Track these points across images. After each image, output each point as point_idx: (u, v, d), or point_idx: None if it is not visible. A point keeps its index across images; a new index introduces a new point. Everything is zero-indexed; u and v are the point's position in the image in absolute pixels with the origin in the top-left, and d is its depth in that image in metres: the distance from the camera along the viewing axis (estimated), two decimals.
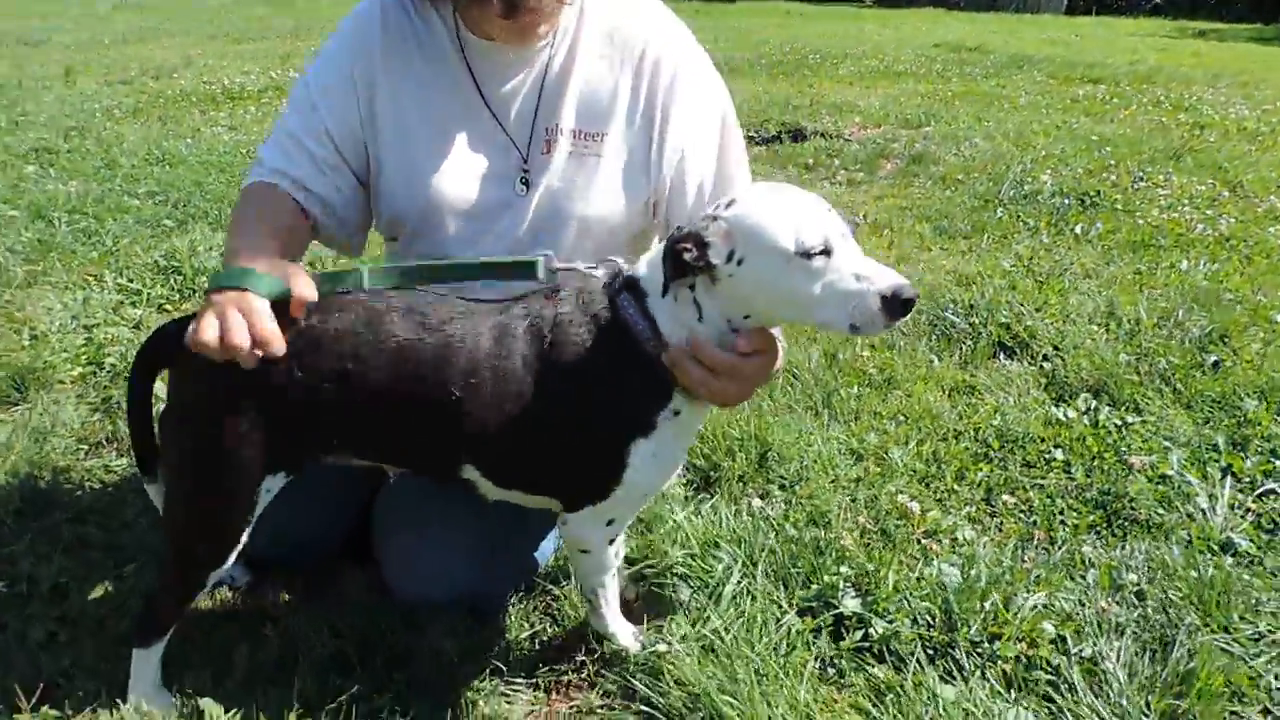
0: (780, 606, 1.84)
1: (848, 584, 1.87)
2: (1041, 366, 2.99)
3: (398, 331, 1.50)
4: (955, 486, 2.34)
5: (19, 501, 2.22)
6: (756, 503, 2.16)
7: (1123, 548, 2.05)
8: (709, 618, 1.78)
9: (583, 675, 1.80)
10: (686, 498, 2.26)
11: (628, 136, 1.78)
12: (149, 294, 3.60)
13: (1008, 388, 2.84)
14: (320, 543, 2.04)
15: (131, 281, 3.71)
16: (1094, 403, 2.66)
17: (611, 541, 1.69)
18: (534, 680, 1.79)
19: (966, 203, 4.98)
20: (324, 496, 1.97)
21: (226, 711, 1.66)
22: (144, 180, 5.19)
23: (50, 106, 7.55)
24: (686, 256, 1.38)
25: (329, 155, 1.77)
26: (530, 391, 1.50)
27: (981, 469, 2.40)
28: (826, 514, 2.13)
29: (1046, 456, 2.44)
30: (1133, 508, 2.19)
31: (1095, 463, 2.40)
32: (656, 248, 1.51)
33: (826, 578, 1.87)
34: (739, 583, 1.87)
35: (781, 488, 2.28)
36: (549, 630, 1.92)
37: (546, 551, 2.02)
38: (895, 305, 1.32)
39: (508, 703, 1.74)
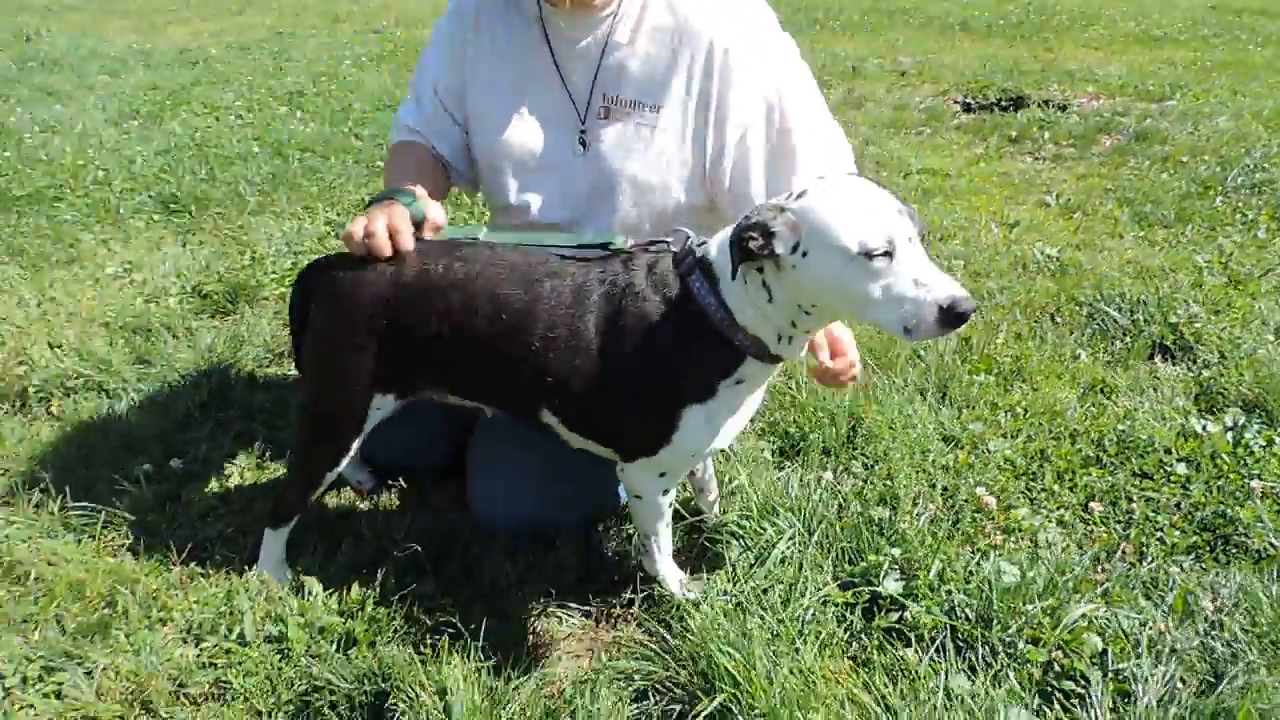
0: (823, 577, 1.88)
1: (894, 566, 1.88)
2: (1200, 374, 2.74)
3: (497, 285, 1.68)
4: (1054, 487, 2.24)
5: (206, 396, 2.66)
6: (827, 476, 2.19)
7: (1217, 574, 1.91)
8: (750, 577, 1.87)
9: (631, 610, 1.94)
10: (768, 459, 2.33)
11: (683, 112, 1.87)
12: None
13: (1150, 392, 2.64)
14: (428, 459, 2.30)
15: (340, 216, 4.20)
16: (1243, 419, 2.43)
17: (666, 492, 1.80)
18: (586, 608, 1.96)
19: (1181, 188, 4.51)
20: (433, 420, 2.21)
21: (325, 590, 1.97)
22: (369, 124, 5.76)
23: (311, 53, 8.47)
24: (752, 245, 1.42)
25: (441, 113, 2.02)
26: (598, 350, 1.63)
27: (1090, 473, 2.28)
28: (899, 496, 2.13)
29: (1166, 469, 2.27)
30: (1244, 535, 2.02)
31: (1218, 483, 2.21)
32: (728, 229, 1.56)
33: (874, 557, 1.89)
34: (786, 549, 1.93)
35: (866, 465, 2.30)
36: (609, 564, 2.08)
37: (622, 492, 2.18)
38: (951, 316, 1.33)
39: (557, 621, 1.93)
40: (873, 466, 2.28)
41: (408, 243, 1.71)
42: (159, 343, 2.98)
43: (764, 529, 1.98)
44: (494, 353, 1.70)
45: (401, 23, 10.59)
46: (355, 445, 1.88)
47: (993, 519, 2.09)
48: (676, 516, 2.03)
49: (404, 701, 1.63)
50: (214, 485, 2.34)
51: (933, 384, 2.70)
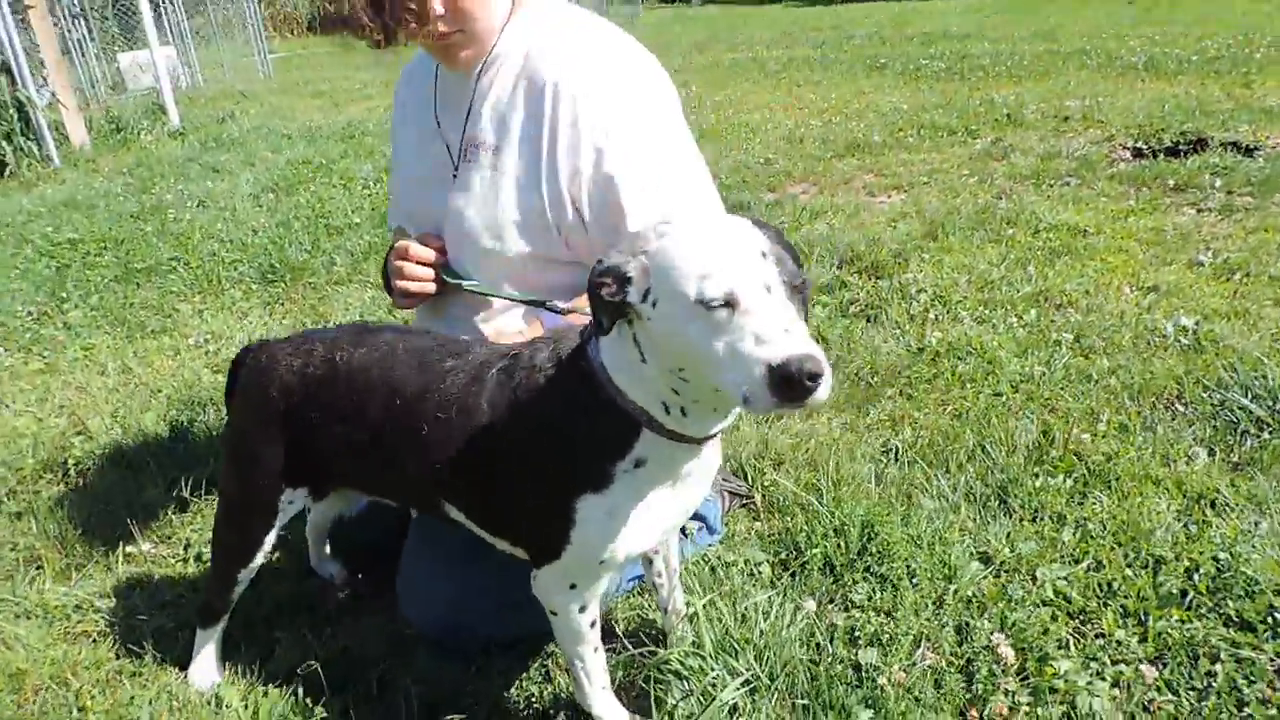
0: None
1: None
2: None
3: (394, 369, 1.58)
4: (1116, 633, 1.76)
5: (209, 476, 2.63)
6: (809, 605, 1.82)
7: None
8: None
9: None
10: (756, 575, 1.99)
11: (518, 155, 1.78)
12: None
13: (1275, 512, 2.07)
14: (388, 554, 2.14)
15: None
16: None
17: (584, 610, 1.53)
18: None
19: None
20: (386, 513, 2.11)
21: (244, 702, 1.83)
22: None
23: None
24: (604, 293, 1.24)
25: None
26: (488, 430, 1.46)
27: (1169, 616, 1.78)
28: (896, 636, 1.73)
29: (1275, 620, 1.73)
30: None
31: None
32: None
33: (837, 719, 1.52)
34: (735, 699, 1.60)
35: (872, 592, 1.90)
36: (545, 691, 1.81)
37: None
38: (782, 380, 1.04)
39: None
40: (878, 594, 1.89)
41: (426, 253, 1.89)
42: (200, 416, 3.02)
43: (713, 669, 1.65)
44: (390, 442, 1.57)
45: None
46: (268, 541, 1.78)
47: (1013, 675, 1.64)
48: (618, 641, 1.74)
49: None
50: (190, 571, 2.28)
51: (993, 486, 2.25)
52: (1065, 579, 1.89)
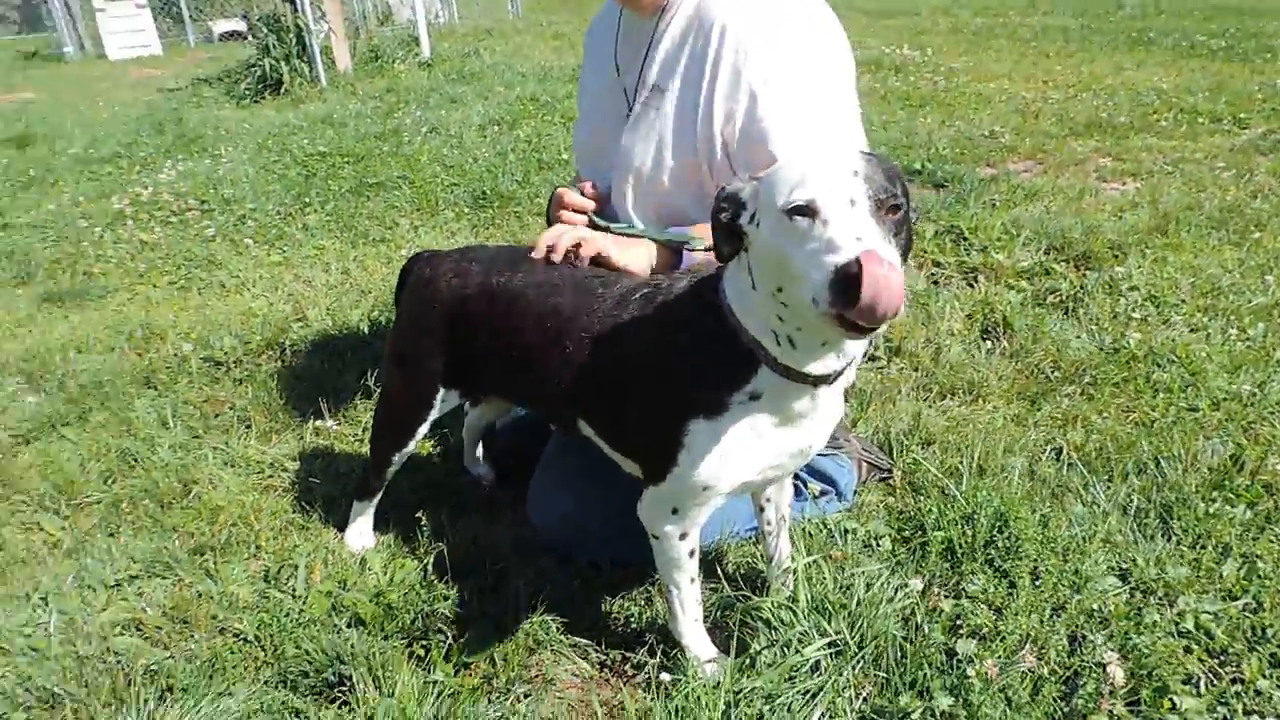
0: (851, 705, 1.54)
1: (924, 718, 1.47)
2: None
3: (551, 294, 1.69)
4: (1258, 682, 1.59)
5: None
6: (915, 584, 1.78)
7: None
8: (762, 676, 1.58)
9: (643, 670, 1.76)
10: (873, 544, 1.97)
11: (680, 96, 1.82)
12: None
13: None
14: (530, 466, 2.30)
15: None
16: None
17: (684, 537, 1.60)
18: (602, 650, 1.82)
19: None
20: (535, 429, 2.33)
21: (384, 568, 2.05)
22: None
23: None
24: (721, 216, 1.33)
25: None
26: (622, 351, 1.56)
27: None
28: (1001, 632, 1.66)
29: None
30: None
31: None
32: None
33: (909, 700, 1.50)
34: (819, 657, 1.61)
35: (987, 585, 1.83)
36: (644, 614, 1.90)
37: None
38: (845, 285, 1.04)
39: (554, 662, 1.80)
40: (993, 588, 1.81)
41: (580, 201, 1.98)
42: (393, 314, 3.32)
43: (802, 625, 1.66)
44: (538, 358, 1.69)
45: None
46: (420, 432, 1.98)
47: (1122, 699, 1.54)
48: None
49: (356, 696, 1.65)
50: (362, 450, 2.55)
51: (1156, 504, 2.08)
52: (1213, 614, 1.72)
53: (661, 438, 1.48)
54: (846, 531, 2.05)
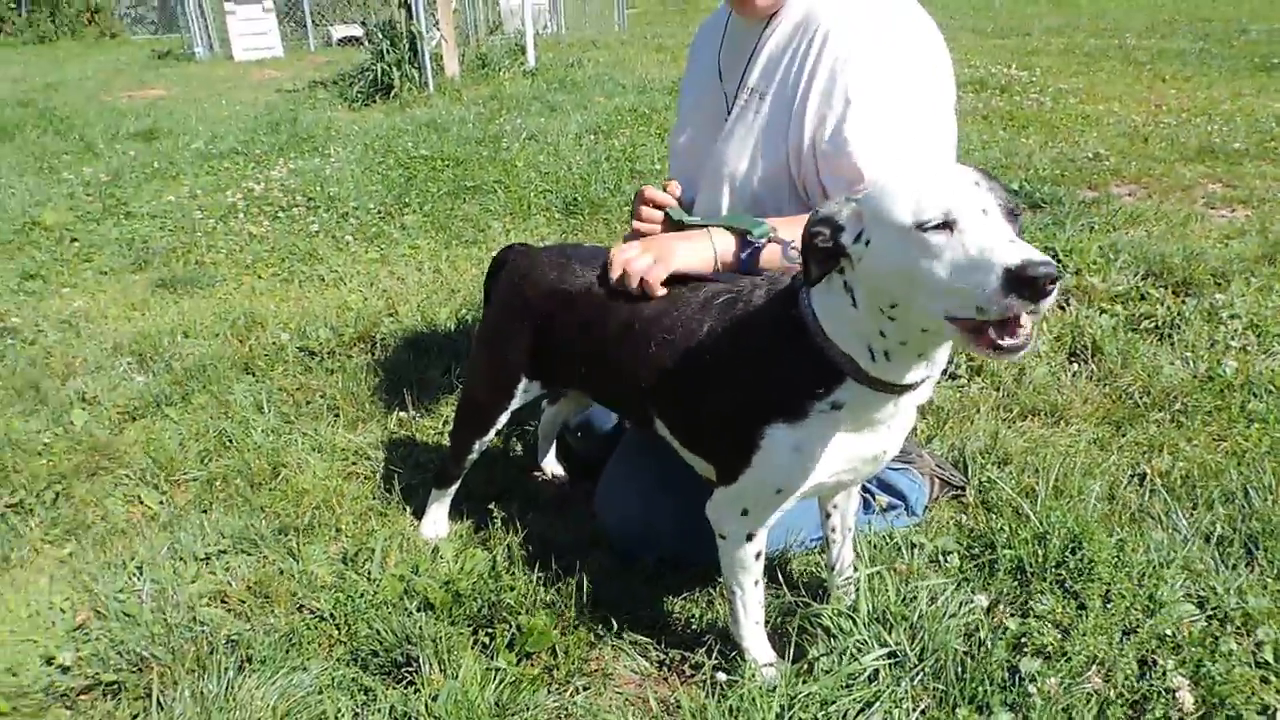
0: (900, 715, 1.53)
1: None
2: None
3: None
4: None
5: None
6: (980, 600, 1.75)
7: None
8: (817, 682, 1.59)
9: (701, 670, 1.78)
10: (940, 559, 1.95)
11: (778, 100, 1.84)
12: None
13: None
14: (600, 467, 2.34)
15: None
16: None
17: (751, 538, 1.62)
18: (661, 649, 1.85)
19: None
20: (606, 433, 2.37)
21: (455, 557, 2.13)
22: None
23: None
24: (819, 241, 1.33)
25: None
26: (702, 354, 1.60)
27: None
28: (1068, 652, 1.62)
29: None
30: None
31: None
32: None
33: (968, 713, 1.48)
34: (878, 665, 1.60)
35: (1056, 605, 1.78)
36: (705, 616, 1.92)
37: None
38: (1021, 281, 1.07)
39: (614, 657, 1.84)
40: (1061, 608, 1.77)
41: (661, 197, 2.01)
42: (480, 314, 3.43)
43: (862, 634, 1.66)
44: (620, 356, 1.74)
45: None
46: (501, 420, 2.05)
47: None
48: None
49: (421, 677, 1.73)
50: (442, 442, 2.64)
51: (1241, 533, 1.99)
52: None
53: (738, 440, 1.51)
54: (913, 545, 2.03)
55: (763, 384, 1.47)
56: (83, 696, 1.79)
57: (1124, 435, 2.52)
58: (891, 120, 1.72)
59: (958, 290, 1.13)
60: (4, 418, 2.96)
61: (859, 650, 1.64)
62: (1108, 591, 1.79)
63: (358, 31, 13.52)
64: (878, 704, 1.54)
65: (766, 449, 1.47)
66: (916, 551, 2.01)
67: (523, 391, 1.99)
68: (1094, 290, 3.48)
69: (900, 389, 1.38)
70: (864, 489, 2.23)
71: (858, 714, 1.54)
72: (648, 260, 1.71)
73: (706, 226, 1.86)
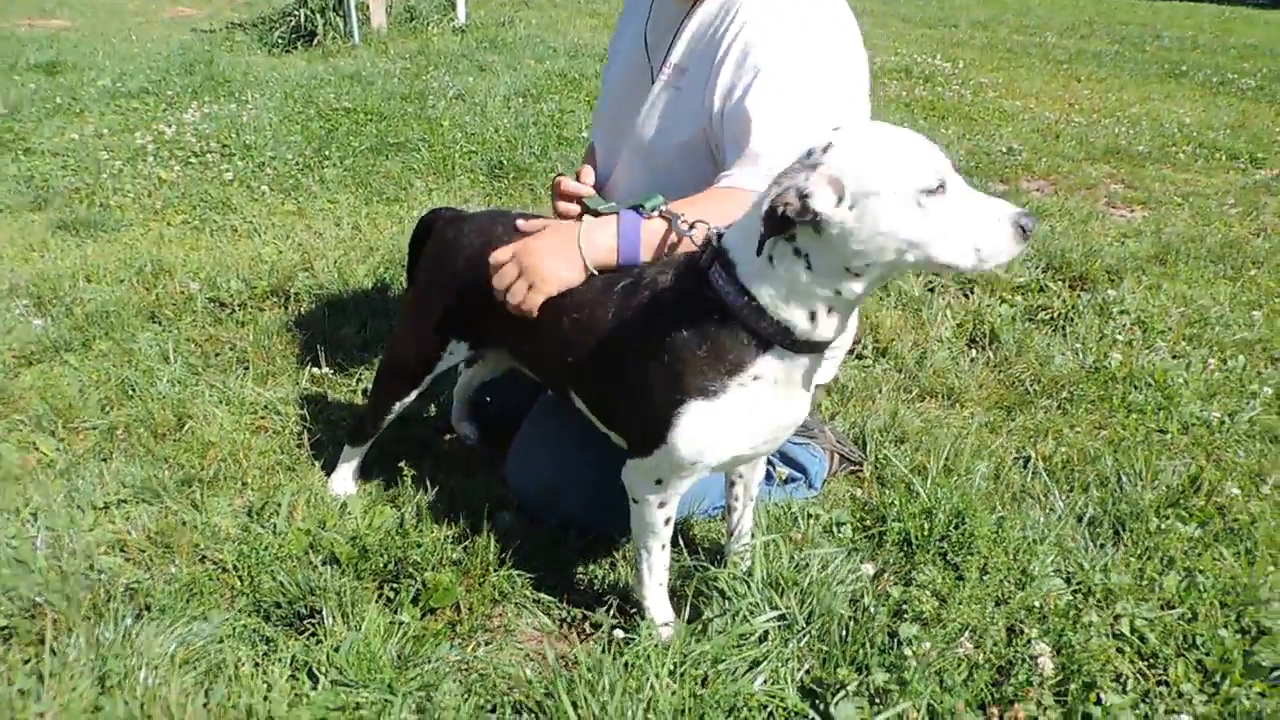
0: (795, 672, 1.61)
1: (862, 692, 1.55)
2: None
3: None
4: (1183, 685, 1.67)
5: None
6: (866, 569, 1.85)
7: None
8: (710, 641, 1.66)
9: (600, 629, 1.84)
10: (833, 530, 2.05)
11: (698, 75, 1.87)
12: None
13: None
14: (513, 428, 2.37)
15: None
16: None
17: (663, 505, 1.68)
18: (563, 607, 1.90)
19: None
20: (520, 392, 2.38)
21: (364, 513, 2.13)
22: None
23: None
24: (789, 212, 1.31)
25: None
26: (612, 338, 1.63)
27: (1253, 687, 1.66)
28: (944, 620, 1.74)
29: None
30: None
31: None
32: (741, 215, 1.49)
33: (847, 672, 1.57)
34: (767, 627, 1.68)
35: (937, 576, 1.90)
36: (608, 577, 1.98)
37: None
38: (1024, 230, 1.31)
39: (516, 614, 1.89)
40: (941, 578, 1.88)
41: (575, 188, 2.05)
42: (400, 277, 3.39)
43: (754, 597, 1.74)
44: (540, 326, 1.76)
45: None
46: (425, 382, 2.06)
47: (1050, 689, 1.62)
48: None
49: (324, 629, 1.74)
50: (354, 399, 2.63)
51: (1111, 515, 2.15)
52: (1148, 620, 1.80)
53: (654, 419, 1.54)
54: (810, 516, 2.12)
55: (678, 365, 1.50)
56: None
57: (1014, 420, 2.67)
58: (793, 96, 1.75)
59: (960, 245, 1.30)
60: None
61: (751, 612, 1.72)
62: (985, 564, 1.92)
63: None
64: (765, 663, 1.63)
65: (683, 426, 1.51)
66: (812, 522, 2.10)
67: (449, 353, 2.00)
68: (997, 281, 3.64)
69: (824, 346, 1.47)
70: (768, 460, 2.32)
71: (746, 671, 1.62)
72: (522, 290, 1.71)
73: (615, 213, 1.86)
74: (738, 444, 1.55)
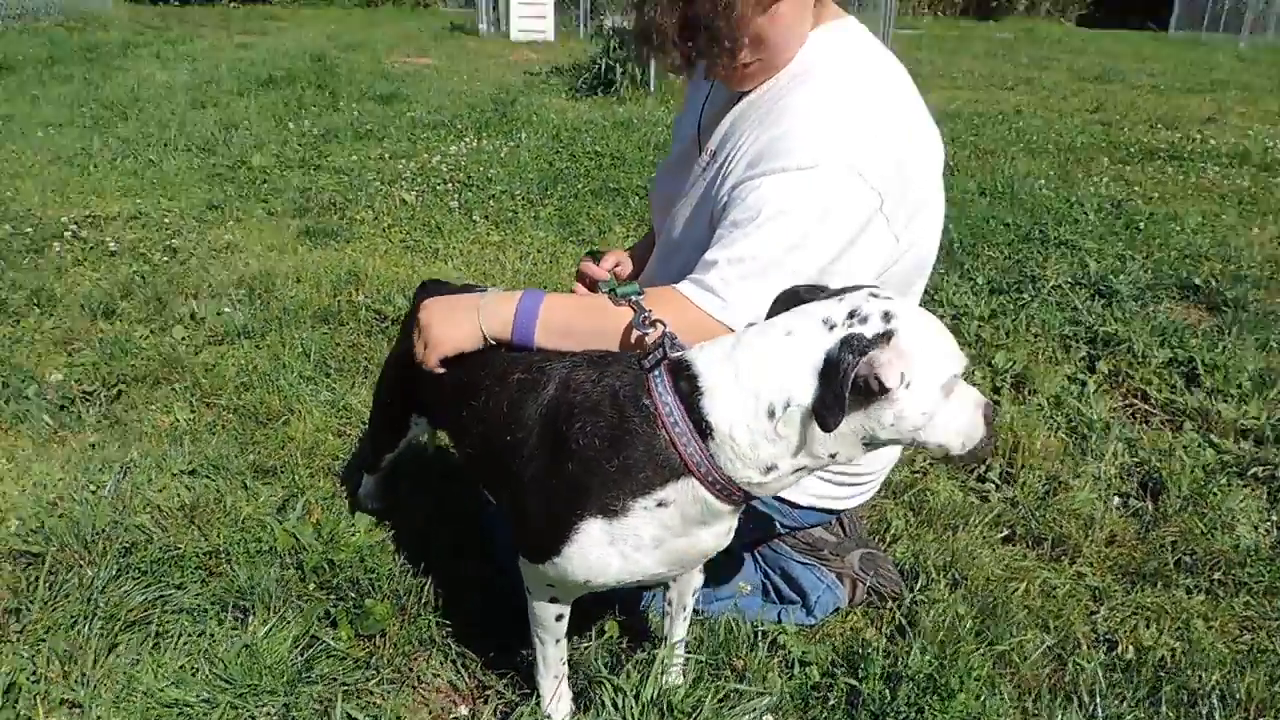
0: None
1: None
2: None
3: (487, 358, 1.64)
4: None
5: None
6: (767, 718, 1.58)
7: None
8: None
9: (504, 701, 1.77)
10: (793, 669, 1.78)
11: (725, 163, 1.71)
12: None
13: None
14: None
15: None
16: None
17: (554, 601, 1.57)
18: (485, 672, 1.86)
19: None
20: None
21: (365, 531, 2.23)
22: None
23: None
24: (872, 384, 1.20)
25: None
26: (527, 433, 1.48)
27: None
28: None
29: None
30: None
31: None
32: (723, 341, 1.35)
33: None
34: None
35: None
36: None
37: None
38: (990, 419, 1.34)
39: (441, 663, 1.87)
40: None
41: (596, 272, 2.01)
42: None
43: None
44: (459, 412, 1.67)
45: None
46: (401, 444, 2.10)
47: None
48: None
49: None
50: None
51: None
52: None
53: (546, 530, 1.42)
54: (777, 645, 1.87)
55: (582, 475, 1.36)
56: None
57: (1132, 593, 2.16)
58: (771, 238, 1.54)
59: (956, 432, 1.29)
60: (128, 321, 3.45)
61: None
62: None
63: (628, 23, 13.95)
64: None
65: (578, 543, 1.38)
66: (774, 652, 1.85)
67: (414, 424, 2.00)
68: (1214, 419, 2.98)
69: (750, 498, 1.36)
70: (765, 577, 2.09)
71: None
72: (420, 348, 1.69)
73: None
74: (636, 571, 1.41)
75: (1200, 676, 1.85)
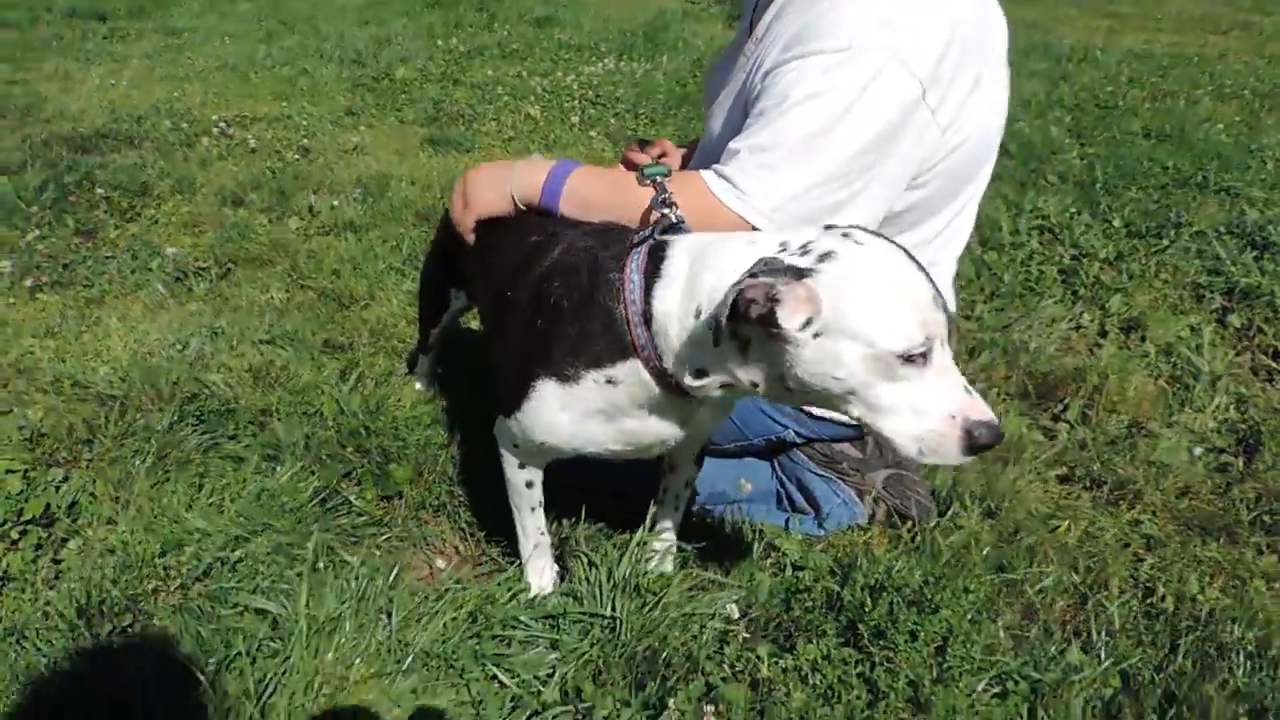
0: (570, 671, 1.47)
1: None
2: None
3: (513, 230, 1.69)
4: None
5: None
6: (731, 609, 1.56)
7: None
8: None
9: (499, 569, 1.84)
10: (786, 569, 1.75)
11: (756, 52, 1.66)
12: None
13: None
14: None
15: None
16: None
17: (522, 467, 1.63)
18: (480, 544, 1.93)
19: None
20: None
21: (411, 406, 2.35)
22: None
23: None
24: (752, 311, 1.11)
25: None
26: (521, 297, 1.53)
27: None
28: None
29: None
30: None
31: None
32: (724, 244, 1.29)
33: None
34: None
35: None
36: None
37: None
38: (978, 444, 1.13)
39: (451, 527, 1.96)
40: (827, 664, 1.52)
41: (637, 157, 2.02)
42: None
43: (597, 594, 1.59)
44: (486, 281, 1.74)
45: None
46: (444, 319, 2.22)
47: None
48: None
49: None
50: None
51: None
52: None
53: (515, 380, 1.48)
54: (773, 548, 1.84)
55: (550, 339, 1.40)
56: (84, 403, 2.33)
57: (1191, 548, 1.97)
58: (803, 129, 1.48)
59: (908, 426, 1.13)
60: (252, 210, 3.72)
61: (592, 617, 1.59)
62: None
63: None
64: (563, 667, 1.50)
65: (535, 401, 1.43)
66: (769, 553, 1.82)
67: (455, 297, 2.11)
68: None
69: (691, 397, 1.32)
70: (781, 486, 2.04)
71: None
72: (459, 208, 1.72)
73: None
74: (589, 440, 1.44)
75: (1234, 631, 1.67)
